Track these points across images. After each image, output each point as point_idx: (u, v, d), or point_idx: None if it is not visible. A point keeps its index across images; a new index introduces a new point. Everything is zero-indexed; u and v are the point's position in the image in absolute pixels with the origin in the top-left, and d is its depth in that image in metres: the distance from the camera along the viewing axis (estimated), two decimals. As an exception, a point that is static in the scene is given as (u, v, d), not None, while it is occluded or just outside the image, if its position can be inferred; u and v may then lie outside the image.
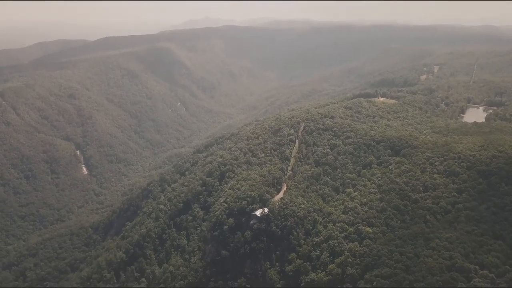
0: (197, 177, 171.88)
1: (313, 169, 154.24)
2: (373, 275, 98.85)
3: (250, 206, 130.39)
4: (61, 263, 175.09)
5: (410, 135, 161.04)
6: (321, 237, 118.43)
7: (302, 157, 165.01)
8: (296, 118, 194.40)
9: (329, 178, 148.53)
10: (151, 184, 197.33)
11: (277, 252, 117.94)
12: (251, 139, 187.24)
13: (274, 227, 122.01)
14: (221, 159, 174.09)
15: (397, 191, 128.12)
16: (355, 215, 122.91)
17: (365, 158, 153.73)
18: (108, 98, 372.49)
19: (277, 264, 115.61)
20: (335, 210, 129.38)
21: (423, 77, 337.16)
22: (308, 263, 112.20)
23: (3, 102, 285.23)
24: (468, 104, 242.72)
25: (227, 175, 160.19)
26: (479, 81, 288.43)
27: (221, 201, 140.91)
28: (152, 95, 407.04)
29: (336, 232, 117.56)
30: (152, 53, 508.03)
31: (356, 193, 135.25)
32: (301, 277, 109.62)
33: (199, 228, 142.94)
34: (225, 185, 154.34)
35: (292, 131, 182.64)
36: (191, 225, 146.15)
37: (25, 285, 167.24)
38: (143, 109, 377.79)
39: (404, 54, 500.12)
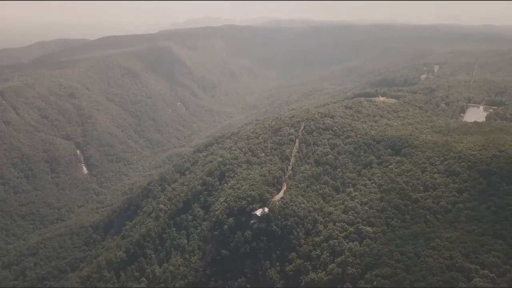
0: (197, 176, 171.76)
1: (313, 169, 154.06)
2: (374, 274, 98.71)
3: (250, 205, 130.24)
4: (61, 262, 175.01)
5: (411, 135, 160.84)
6: (321, 237, 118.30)
7: (302, 156, 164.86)
8: (296, 118, 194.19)
9: (329, 178, 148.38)
10: (151, 184, 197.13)
11: (277, 252, 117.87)
12: (251, 139, 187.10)
13: (274, 227, 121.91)
14: (221, 159, 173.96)
15: (397, 190, 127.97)
16: (356, 214, 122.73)
17: (365, 157, 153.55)
18: (108, 98, 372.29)
19: (277, 263, 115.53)
20: (335, 209, 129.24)
21: (423, 76, 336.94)
22: (308, 262, 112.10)
23: (3, 102, 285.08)
24: (468, 104, 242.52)
25: (227, 174, 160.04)
26: (479, 81, 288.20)
27: (221, 200, 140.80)
28: (152, 94, 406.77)
29: (336, 232, 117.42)
30: (152, 52, 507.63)
31: (356, 193, 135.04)
32: (301, 277, 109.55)
33: (199, 228, 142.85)
34: (225, 184, 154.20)
35: (292, 130, 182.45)
36: (191, 225, 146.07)
37: (25, 285, 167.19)
38: (143, 108, 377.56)
39: (404, 53, 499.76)
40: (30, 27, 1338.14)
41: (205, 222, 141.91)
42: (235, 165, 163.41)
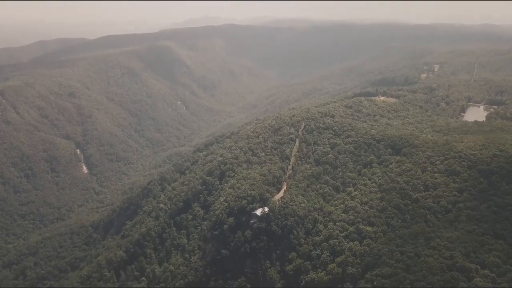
0: (197, 176, 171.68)
1: (313, 168, 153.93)
2: (374, 274, 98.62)
3: (251, 205, 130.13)
4: (61, 262, 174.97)
5: (411, 134, 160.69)
6: (321, 237, 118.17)
7: (302, 156, 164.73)
8: (297, 117, 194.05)
9: (330, 177, 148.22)
10: (151, 183, 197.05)
11: (277, 252, 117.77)
12: (252, 138, 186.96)
13: (274, 226, 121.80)
14: (221, 158, 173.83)
15: (397, 190, 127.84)
16: (356, 214, 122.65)
17: (365, 157, 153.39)
18: (108, 97, 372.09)
19: (278, 263, 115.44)
20: (336, 209, 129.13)
21: (424, 75, 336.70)
22: (309, 262, 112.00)
23: (3, 101, 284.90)
24: (468, 103, 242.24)
25: (227, 174, 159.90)
26: (479, 80, 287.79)
27: (221, 200, 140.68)
28: (152, 93, 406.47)
29: (336, 232, 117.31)
30: (153, 51, 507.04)
31: (356, 192, 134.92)
32: (301, 277, 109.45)
33: (199, 227, 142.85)
34: (225, 184, 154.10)
35: (292, 130, 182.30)
36: (191, 224, 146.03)
37: (25, 284, 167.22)
38: (143, 107, 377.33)
39: (404, 52, 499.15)
40: (30, 27, 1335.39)
41: (205, 222, 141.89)
42: (235, 165, 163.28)
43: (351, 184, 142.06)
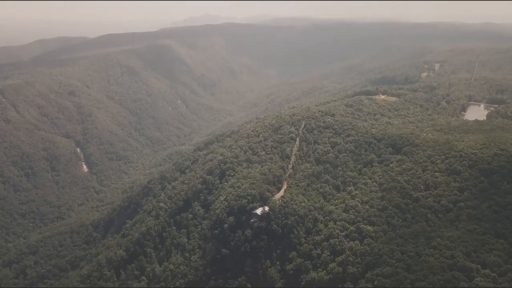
0: (198, 175, 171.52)
1: (313, 167, 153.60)
2: (374, 274, 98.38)
3: (251, 204, 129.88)
4: (61, 261, 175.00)
5: (411, 133, 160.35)
6: (322, 236, 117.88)
7: (302, 155, 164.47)
8: (297, 116, 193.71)
9: (330, 177, 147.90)
10: (151, 182, 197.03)
11: (277, 251, 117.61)
12: (252, 137, 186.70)
13: (274, 226, 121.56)
14: (221, 157, 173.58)
15: (398, 189, 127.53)
16: (356, 213, 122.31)
17: (366, 156, 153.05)
18: (108, 96, 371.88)
19: (278, 262, 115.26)
20: (336, 208, 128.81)
21: (424, 74, 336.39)
22: (309, 261, 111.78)
23: (3, 100, 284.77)
24: (469, 102, 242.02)
25: (227, 173, 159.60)
26: (480, 79, 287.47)
27: (222, 199, 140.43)
28: (152, 92, 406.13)
29: (337, 231, 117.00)
30: (152, 50, 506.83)
31: (357, 192, 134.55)
32: (301, 276, 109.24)
33: (199, 227, 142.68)
34: (225, 183, 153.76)
35: (292, 129, 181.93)
36: (192, 223, 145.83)
37: (25, 283, 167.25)
38: (143, 106, 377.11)
39: (404, 51, 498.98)
40: (30, 26, 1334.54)
41: (205, 221, 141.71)
42: (236, 164, 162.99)
43: (351, 183, 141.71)
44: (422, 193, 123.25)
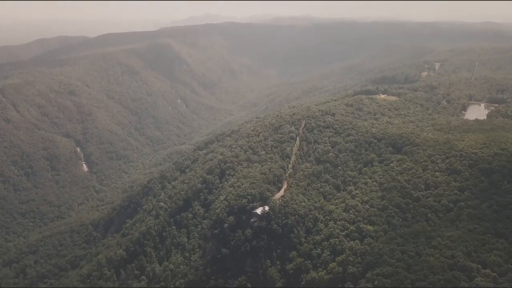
0: (198, 174, 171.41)
1: (314, 167, 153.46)
2: (375, 273, 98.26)
3: (251, 204, 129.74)
4: (61, 260, 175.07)
5: (412, 133, 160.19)
6: (322, 235, 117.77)
7: (303, 154, 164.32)
8: (297, 115, 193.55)
9: (330, 176, 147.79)
10: (151, 181, 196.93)
11: (277, 251, 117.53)
12: (252, 137, 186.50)
13: (274, 225, 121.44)
14: (221, 157, 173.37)
15: (398, 189, 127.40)
16: (356, 213, 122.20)
17: (366, 155, 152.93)
18: (108, 95, 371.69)
19: (278, 262, 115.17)
20: (336, 208, 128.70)
21: (424, 74, 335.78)
22: (309, 261, 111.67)
23: (3, 99, 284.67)
24: (469, 101, 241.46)
25: (227, 172, 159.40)
26: (480, 78, 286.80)
27: (222, 199, 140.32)
28: (153, 91, 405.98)
29: (337, 231, 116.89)
30: (153, 49, 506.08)
31: (357, 191, 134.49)
32: (301, 276, 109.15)
33: (199, 226, 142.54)
34: (225, 182, 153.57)
35: (292, 128, 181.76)
36: (192, 223, 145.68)
37: (25, 283, 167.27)
38: (144, 106, 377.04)
39: (405, 51, 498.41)
40: (30, 25, 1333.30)
41: (205, 221, 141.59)
42: (236, 163, 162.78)
43: (351, 182, 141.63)
44: (422, 192, 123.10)
